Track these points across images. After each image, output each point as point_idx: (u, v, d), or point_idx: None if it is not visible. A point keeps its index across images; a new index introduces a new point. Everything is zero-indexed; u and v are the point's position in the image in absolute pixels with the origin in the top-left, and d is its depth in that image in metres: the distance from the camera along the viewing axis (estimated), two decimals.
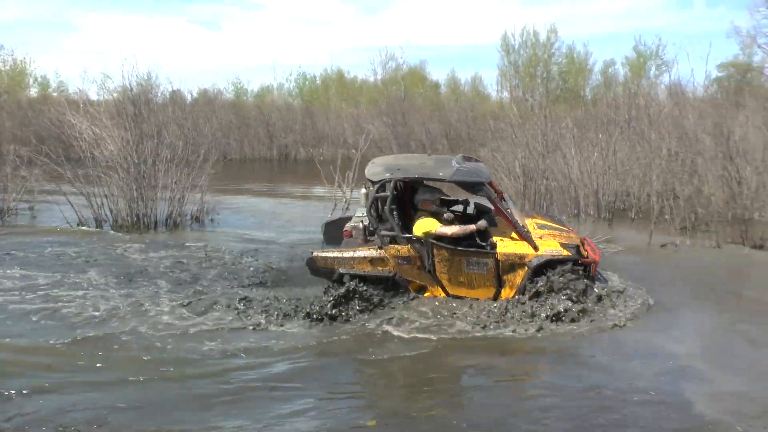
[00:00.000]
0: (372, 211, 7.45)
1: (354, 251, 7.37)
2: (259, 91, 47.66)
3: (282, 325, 6.97)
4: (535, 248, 7.33)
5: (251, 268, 9.34)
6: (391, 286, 7.37)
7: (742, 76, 34.52)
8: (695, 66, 50.99)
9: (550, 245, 7.44)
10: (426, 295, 7.52)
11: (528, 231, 7.52)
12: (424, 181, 7.82)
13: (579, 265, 7.35)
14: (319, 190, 12.65)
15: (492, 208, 7.95)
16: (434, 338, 6.60)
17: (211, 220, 13.46)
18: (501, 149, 15.85)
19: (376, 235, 7.58)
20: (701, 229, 12.22)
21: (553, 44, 43.28)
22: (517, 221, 7.48)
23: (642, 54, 41.67)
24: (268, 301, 7.49)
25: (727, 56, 43.41)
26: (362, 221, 7.87)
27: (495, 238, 7.48)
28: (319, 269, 7.46)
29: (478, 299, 7.40)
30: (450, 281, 7.44)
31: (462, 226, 7.40)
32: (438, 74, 69.22)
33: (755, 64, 36.98)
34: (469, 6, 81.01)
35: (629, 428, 4.85)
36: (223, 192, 16.22)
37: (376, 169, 7.67)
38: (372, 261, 7.32)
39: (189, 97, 35.28)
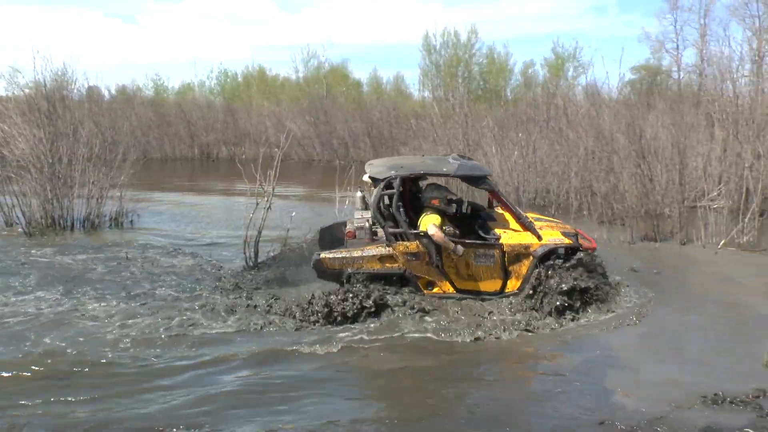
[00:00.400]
0: (378, 209, 7.46)
1: (362, 250, 7.40)
2: (180, 88, 46.83)
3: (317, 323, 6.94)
4: (539, 238, 7.59)
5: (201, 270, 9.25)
6: (401, 282, 7.44)
7: (653, 78, 36.46)
8: (610, 69, 54.04)
9: (552, 234, 7.71)
10: (434, 291, 7.55)
11: (531, 222, 7.75)
12: (430, 178, 8.10)
13: (580, 252, 7.64)
14: (240, 188, 12.53)
15: (483, 207, 8.40)
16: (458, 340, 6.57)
17: (131, 221, 13.11)
18: (422, 148, 16.14)
19: (382, 234, 7.62)
20: (617, 224, 12.87)
21: (473, 45, 44.17)
22: (520, 212, 7.77)
23: (560, 56, 43.08)
24: (273, 301, 7.46)
25: (639, 60, 45.83)
26: (367, 221, 7.90)
27: (498, 231, 7.68)
28: (326, 271, 7.43)
29: (483, 295, 7.56)
30: (458, 276, 7.54)
31: (447, 236, 7.37)
32: (360, 73, 69.53)
33: (664, 68, 39.34)
34: (391, 5, 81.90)
35: (552, 419, 4.96)
36: (143, 192, 15.81)
37: (379, 168, 7.77)
38: (381, 259, 7.38)
39: (107, 94, 34.27)
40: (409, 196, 8.12)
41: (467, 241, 7.48)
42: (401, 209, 7.48)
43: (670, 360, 6.13)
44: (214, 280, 8.66)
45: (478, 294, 7.58)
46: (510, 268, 7.57)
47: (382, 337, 6.60)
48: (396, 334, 6.66)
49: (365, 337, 6.62)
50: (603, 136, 15.00)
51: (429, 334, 6.66)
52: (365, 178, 8.14)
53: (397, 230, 7.42)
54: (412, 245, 7.38)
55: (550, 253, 7.56)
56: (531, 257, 7.53)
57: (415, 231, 7.42)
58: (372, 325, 6.86)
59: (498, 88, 42.17)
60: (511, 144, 15.61)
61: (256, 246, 9.39)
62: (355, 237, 7.80)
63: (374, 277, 7.34)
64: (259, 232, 9.43)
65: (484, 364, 6.10)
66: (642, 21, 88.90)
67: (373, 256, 7.38)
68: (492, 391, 5.54)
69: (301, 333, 6.74)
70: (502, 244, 7.52)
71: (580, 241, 7.95)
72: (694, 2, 45.95)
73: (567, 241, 7.68)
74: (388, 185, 7.45)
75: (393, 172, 7.50)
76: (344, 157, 29.96)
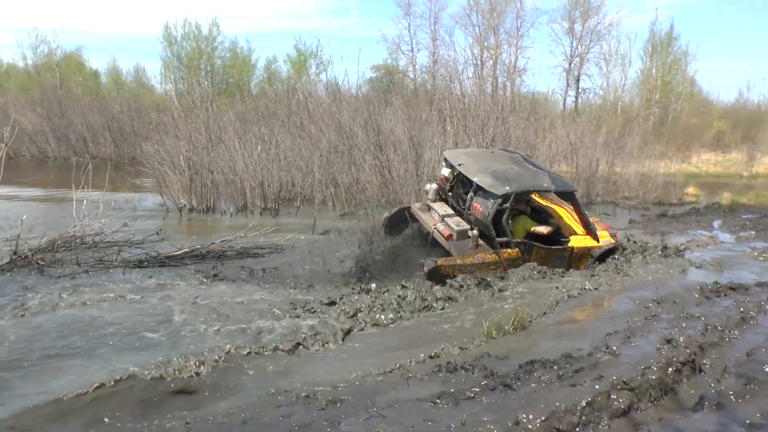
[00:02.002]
0: (492, 220, 8.36)
1: (474, 258, 8.30)
2: None
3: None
4: (597, 240, 9.13)
5: None
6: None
7: (391, 77, 39.47)
8: (350, 67, 57.68)
9: (605, 236, 9.29)
10: None
11: (594, 227, 9.24)
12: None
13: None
14: None
15: (541, 206, 9.77)
16: None
17: None
18: (165, 143, 15.78)
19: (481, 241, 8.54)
20: (360, 215, 13.74)
21: (216, 38, 43.87)
22: (589, 219, 9.26)
23: (303, 53, 44.48)
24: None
25: (378, 60, 49.15)
26: (474, 229, 8.60)
27: (563, 229, 9.22)
28: (441, 276, 8.05)
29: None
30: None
31: (546, 226, 8.86)
32: (97, 62, 64.89)
33: (401, 68, 42.85)
34: None
35: None
36: None
37: (489, 179, 8.59)
38: (490, 265, 8.31)
39: None
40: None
41: (553, 247, 8.75)
42: (510, 222, 8.57)
43: None
44: None
45: None
46: (573, 264, 8.94)
47: None
48: None
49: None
50: (344, 130, 15.91)
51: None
52: (444, 171, 9.50)
53: (504, 239, 8.42)
54: (515, 252, 8.49)
55: (606, 253, 9.13)
56: (590, 256, 9.06)
57: (519, 240, 8.57)
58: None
59: (242, 82, 42.42)
60: (254, 139, 15.87)
61: None
62: (453, 239, 8.58)
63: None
64: None
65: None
66: (380, 24, 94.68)
67: (484, 263, 8.30)
68: None
69: None
70: (573, 248, 8.93)
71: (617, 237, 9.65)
72: (425, 9, 51.08)
73: (613, 241, 9.33)
74: (505, 200, 8.37)
75: (507, 188, 8.38)
76: (83, 153, 27.88)
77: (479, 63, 39.68)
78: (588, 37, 43.44)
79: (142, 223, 12.33)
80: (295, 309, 7.00)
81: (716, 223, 14.53)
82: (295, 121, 17.60)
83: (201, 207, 15.02)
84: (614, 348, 5.03)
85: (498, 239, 8.43)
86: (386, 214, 9.94)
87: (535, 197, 9.77)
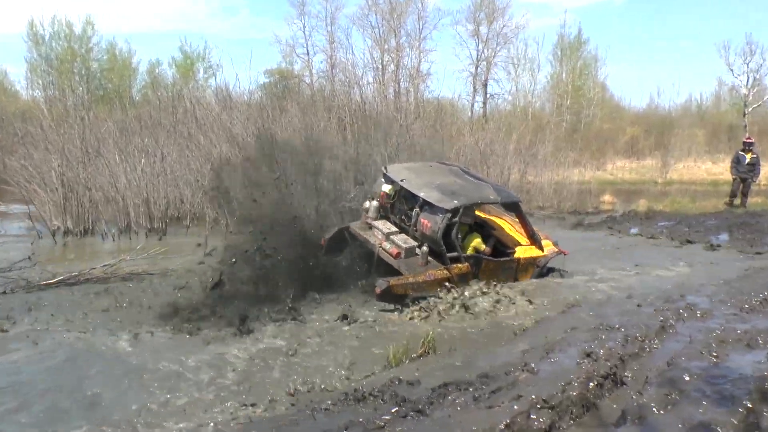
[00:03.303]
0: (442, 235, 8.78)
1: (426, 275, 8.67)
2: None
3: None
4: (542, 250, 9.93)
5: None
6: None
7: (286, 82, 39.36)
8: (241, 71, 56.58)
9: (548, 245, 10.14)
10: None
11: (539, 237, 9.99)
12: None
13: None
14: None
15: (482, 219, 10.32)
16: None
17: None
18: (33, 156, 15.26)
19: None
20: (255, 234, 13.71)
21: (90, 38, 42.66)
22: (533, 229, 10.03)
23: (189, 56, 43.99)
24: None
25: (272, 63, 48.97)
26: (424, 245, 8.97)
27: (506, 240, 9.95)
28: (393, 295, 8.37)
29: None
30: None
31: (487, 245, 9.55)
32: None
33: (297, 72, 42.63)
34: None
35: None
36: None
37: (435, 194, 9.10)
38: (440, 281, 8.69)
39: None
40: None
41: (501, 259, 9.49)
42: (459, 236, 9.12)
43: None
44: None
45: None
46: (519, 275, 9.71)
47: None
48: None
49: None
50: (236, 140, 15.90)
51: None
52: (384, 188, 9.88)
53: (454, 254, 8.91)
54: (465, 266, 9.01)
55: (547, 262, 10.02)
56: (536, 266, 9.88)
57: (470, 254, 9.19)
58: None
59: (122, 88, 41.40)
60: (137, 151, 15.63)
61: None
62: (401, 257, 8.98)
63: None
64: None
65: None
66: (273, 25, 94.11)
67: (435, 280, 8.68)
68: None
69: None
70: (519, 259, 9.65)
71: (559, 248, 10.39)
72: (320, 9, 51.42)
73: (556, 249, 10.19)
74: (454, 215, 8.85)
75: (456, 202, 8.92)
76: None
77: (380, 67, 40.30)
78: (494, 40, 45.05)
79: (5, 251, 11.92)
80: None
81: (633, 231, 15.40)
82: (183, 131, 17.42)
83: (78, 229, 14.68)
84: (532, 365, 5.21)
85: (448, 254, 8.90)
86: (326, 236, 10.16)
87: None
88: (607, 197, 24.31)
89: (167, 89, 27.95)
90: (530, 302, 8.48)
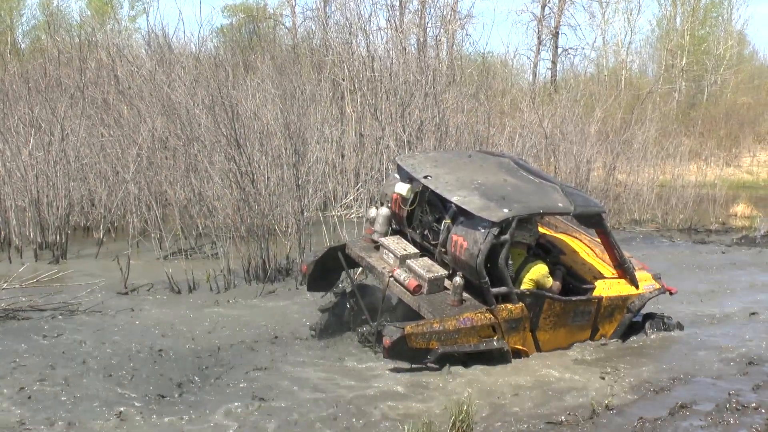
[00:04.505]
0: (485, 261, 8.43)
1: (459, 320, 8.45)
2: None
3: None
4: (636, 286, 9.76)
5: None
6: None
7: (255, 26, 38.86)
8: (186, 8, 55.76)
9: (646, 279, 10.01)
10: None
11: (632, 267, 9.86)
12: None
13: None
14: None
15: (548, 240, 10.28)
16: None
17: None
18: None
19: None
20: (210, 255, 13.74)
21: None
22: (624, 256, 9.79)
23: None
24: None
25: None
26: (457, 275, 8.71)
27: (584, 273, 9.85)
28: (410, 350, 8.30)
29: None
30: (550, 335, 9.35)
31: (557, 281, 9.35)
32: None
33: (272, 10, 41.72)
34: None
35: None
36: None
37: (476, 199, 8.76)
38: (480, 329, 8.59)
39: None
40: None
41: (573, 298, 9.33)
42: (509, 262, 8.85)
43: None
44: None
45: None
46: (599, 324, 9.67)
47: None
48: None
49: None
50: (177, 113, 15.89)
51: None
52: (398, 189, 9.54)
53: (503, 289, 8.70)
54: (517, 308, 8.83)
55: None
56: (626, 310, 9.75)
57: (525, 290, 8.96)
58: None
59: (1, 29, 41.57)
60: (23, 126, 15.62)
61: None
62: (422, 292, 8.76)
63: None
64: None
65: None
66: None
67: (473, 327, 8.54)
68: None
69: None
70: (601, 298, 9.48)
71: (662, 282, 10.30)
72: None
73: (657, 285, 10.08)
74: (502, 230, 8.53)
75: (507, 210, 8.57)
76: None
77: (397, 4, 40.03)
78: None
79: None
80: None
81: None
82: (95, 98, 17.47)
83: None
84: None
85: (493, 290, 8.71)
86: (311, 258, 10.14)
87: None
88: (741, 207, 24.19)
89: (71, 32, 28.03)
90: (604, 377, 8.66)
